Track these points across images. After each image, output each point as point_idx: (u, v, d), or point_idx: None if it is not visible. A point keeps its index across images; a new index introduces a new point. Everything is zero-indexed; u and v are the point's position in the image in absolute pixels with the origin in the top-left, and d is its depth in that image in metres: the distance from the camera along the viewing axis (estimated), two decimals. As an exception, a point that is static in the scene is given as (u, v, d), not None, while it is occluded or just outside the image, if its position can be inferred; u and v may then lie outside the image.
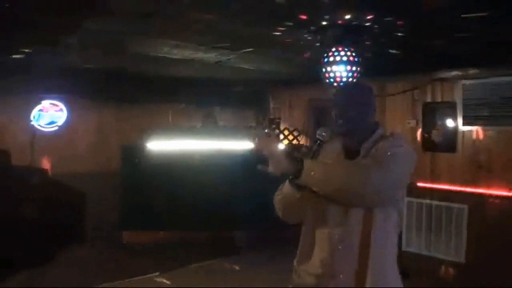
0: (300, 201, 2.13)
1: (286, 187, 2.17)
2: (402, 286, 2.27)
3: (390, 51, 4.58)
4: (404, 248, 6.21)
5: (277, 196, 2.30)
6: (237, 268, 6.12)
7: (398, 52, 4.65)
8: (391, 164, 2.04)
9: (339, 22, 3.58)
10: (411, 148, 2.27)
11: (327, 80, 3.94)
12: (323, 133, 2.20)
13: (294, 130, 7.28)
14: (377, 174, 1.97)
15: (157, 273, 5.75)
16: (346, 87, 2.41)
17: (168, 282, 5.57)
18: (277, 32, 3.87)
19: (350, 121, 2.20)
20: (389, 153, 2.09)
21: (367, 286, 2.07)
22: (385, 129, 2.35)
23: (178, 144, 6.87)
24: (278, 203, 2.30)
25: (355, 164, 2.10)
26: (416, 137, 6.29)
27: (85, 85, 6.64)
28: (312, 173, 1.94)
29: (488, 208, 5.53)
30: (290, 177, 2.03)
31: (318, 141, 2.18)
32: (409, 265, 5.96)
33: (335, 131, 2.27)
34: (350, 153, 2.23)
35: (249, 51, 4.75)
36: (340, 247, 2.11)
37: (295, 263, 2.31)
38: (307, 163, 1.96)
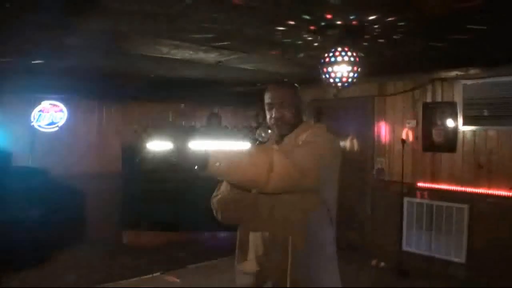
0: (238, 199, 2.18)
1: (223, 186, 2.25)
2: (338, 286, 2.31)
3: (390, 51, 4.57)
4: (404, 247, 6.22)
5: (214, 198, 2.35)
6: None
7: (398, 52, 4.65)
8: (298, 154, 2.06)
9: (339, 22, 3.59)
10: (331, 140, 2.32)
11: (328, 81, 3.94)
12: (263, 134, 2.29)
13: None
14: (280, 163, 1.95)
15: (159, 273, 5.76)
16: (276, 89, 2.36)
17: (177, 280, 5.58)
18: (278, 32, 3.88)
19: (288, 123, 2.32)
20: (300, 143, 2.17)
21: (300, 284, 2.11)
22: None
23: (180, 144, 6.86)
24: (215, 204, 2.33)
25: (261, 153, 2.07)
26: (416, 137, 6.29)
27: (86, 85, 6.65)
28: (218, 164, 1.91)
29: (488, 207, 5.54)
30: (196, 167, 1.98)
31: (257, 142, 2.27)
32: (409, 264, 5.99)
33: (275, 133, 2.38)
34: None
35: (249, 51, 4.76)
36: (272, 245, 2.16)
37: (235, 263, 2.35)
38: (213, 154, 1.94)
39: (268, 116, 2.37)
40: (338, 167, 2.29)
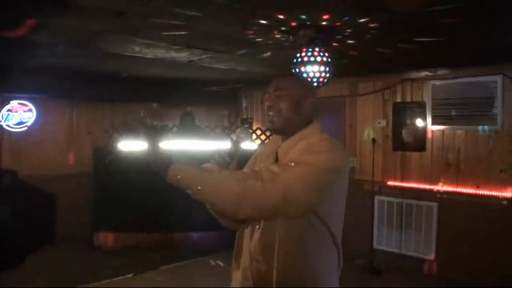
0: None
1: None
2: None
3: (361, 51, 4.63)
4: (375, 246, 6.29)
5: None
6: (213, 263, 6.12)
7: (369, 52, 4.71)
8: (281, 181, 1.78)
9: (311, 22, 3.62)
10: (336, 157, 1.93)
11: (299, 80, 3.96)
12: (241, 135, 2.11)
13: (267, 129, 7.30)
14: (252, 196, 1.76)
15: (131, 274, 5.71)
16: (277, 80, 2.09)
17: (143, 283, 5.54)
18: (249, 32, 3.89)
19: (281, 115, 2.04)
20: (292, 164, 1.85)
21: None
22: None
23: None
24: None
25: (229, 177, 1.82)
26: (386, 137, 6.38)
27: (55, 84, 6.54)
28: (178, 177, 1.76)
29: (456, 205, 5.65)
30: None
31: (234, 142, 2.08)
32: (380, 262, 6.07)
33: (269, 127, 2.11)
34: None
35: (221, 50, 4.76)
36: (258, 260, 1.95)
37: (232, 268, 2.17)
38: (176, 166, 1.76)
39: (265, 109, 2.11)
40: (345, 188, 2.02)
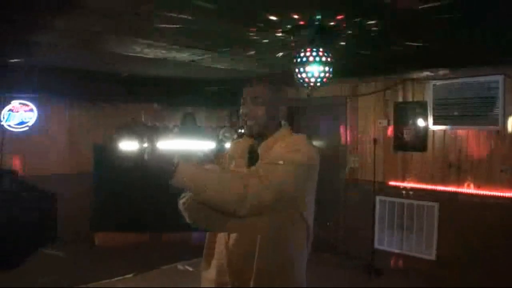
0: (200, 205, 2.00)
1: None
2: None
3: (363, 52, 4.62)
4: (376, 246, 6.29)
5: (181, 200, 2.21)
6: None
7: (371, 52, 4.70)
8: (275, 177, 1.95)
9: (312, 22, 3.61)
10: (312, 153, 2.13)
11: (300, 81, 3.96)
12: (226, 134, 2.20)
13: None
14: (254, 193, 1.89)
15: (131, 274, 5.70)
16: (252, 85, 2.22)
17: (143, 283, 5.53)
18: (251, 31, 3.88)
19: (258, 121, 2.16)
20: (281, 162, 1.99)
21: None
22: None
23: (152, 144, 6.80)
24: (180, 206, 2.19)
25: (231, 176, 1.97)
26: (387, 137, 6.37)
27: (56, 84, 6.53)
28: (184, 179, 1.86)
29: (458, 205, 5.65)
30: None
31: (220, 141, 2.17)
32: (381, 262, 6.07)
33: (245, 132, 2.23)
34: (253, 157, 2.18)
35: (222, 50, 4.76)
36: (236, 255, 2.05)
37: (201, 269, 2.25)
38: (181, 167, 1.86)
39: (240, 113, 2.23)
40: (316, 180, 2.21)
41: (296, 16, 3.46)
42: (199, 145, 6.85)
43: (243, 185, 1.88)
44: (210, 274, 2.16)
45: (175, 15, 3.39)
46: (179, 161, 1.87)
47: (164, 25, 3.67)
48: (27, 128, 6.82)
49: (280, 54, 4.72)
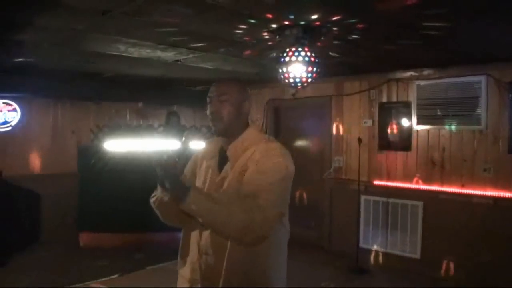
0: (172, 205, 1.96)
1: (159, 189, 2.07)
2: None
3: (347, 51, 4.65)
4: (361, 245, 6.32)
5: (151, 198, 2.22)
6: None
7: (355, 52, 4.73)
8: (272, 203, 1.97)
9: (298, 22, 3.62)
10: (291, 164, 2.11)
11: (285, 80, 3.97)
12: (189, 135, 2.19)
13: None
14: (259, 227, 1.92)
15: (117, 275, 5.67)
16: (219, 84, 2.19)
17: (129, 283, 5.51)
18: (236, 31, 3.88)
19: (223, 120, 2.14)
20: (271, 182, 1.99)
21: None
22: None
23: (136, 144, 6.79)
24: (153, 205, 2.21)
25: (239, 210, 1.91)
26: (372, 136, 6.41)
27: (40, 84, 6.49)
28: (193, 208, 1.85)
29: (441, 204, 5.70)
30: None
31: (184, 142, 2.18)
32: (366, 261, 6.10)
33: (213, 131, 2.22)
34: (224, 157, 2.18)
35: (207, 50, 4.75)
36: (208, 253, 2.09)
37: (177, 267, 2.29)
38: (194, 197, 1.83)
39: (207, 113, 2.20)
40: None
41: (281, 16, 3.47)
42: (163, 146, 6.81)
43: (247, 220, 1.89)
44: (185, 272, 2.21)
45: (161, 15, 3.38)
46: (190, 187, 1.85)
47: (149, 25, 3.66)
48: (10, 128, 6.76)
49: (265, 54, 4.73)
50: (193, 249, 2.17)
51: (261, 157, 2.07)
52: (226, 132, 2.18)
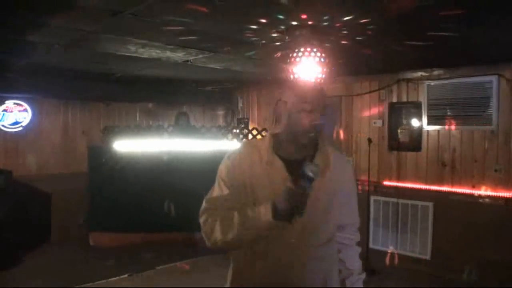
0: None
1: (220, 199, 1.93)
2: None
3: (358, 52, 4.63)
4: (371, 245, 6.30)
5: (204, 214, 1.96)
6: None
7: (365, 53, 4.71)
8: (355, 218, 2.22)
9: (308, 22, 3.61)
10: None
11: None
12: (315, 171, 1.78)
13: (263, 130, 7.30)
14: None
15: (126, 275, 5.69)
16: (318, 89, 1.94)
17: (138, 283, 5.52)
18: (246, 31, 3.88)
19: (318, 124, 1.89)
20: (345, 178, 2.06)
21: None
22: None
23: (147, 144, 6.82)
24: (203, 226, 1.94)
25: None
26: (382, 136, 6.39)
27: (50, 84, 6.53)
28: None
29: (452, 205, 5.66)
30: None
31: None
32: (376, 262, 6.07)
33: (299, 142, 1.95)
34: (293, 166, 1.89)
35: (217, 50, 4.76)
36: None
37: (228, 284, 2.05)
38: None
39: (299, 120, 1.89)
40: None
41: (290, 16, 3.47)
42: (193, 145, 6.86)
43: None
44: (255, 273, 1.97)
45: (170, 16, 3.39)
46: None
47: (158, 25, 3.67)
48: (21, 128, 6.81)
49: (275, 54, 4.73)
50: (274, 251, 1.93)
51: (347, 176, 2.13)
52: (311, 148, 2.01)
